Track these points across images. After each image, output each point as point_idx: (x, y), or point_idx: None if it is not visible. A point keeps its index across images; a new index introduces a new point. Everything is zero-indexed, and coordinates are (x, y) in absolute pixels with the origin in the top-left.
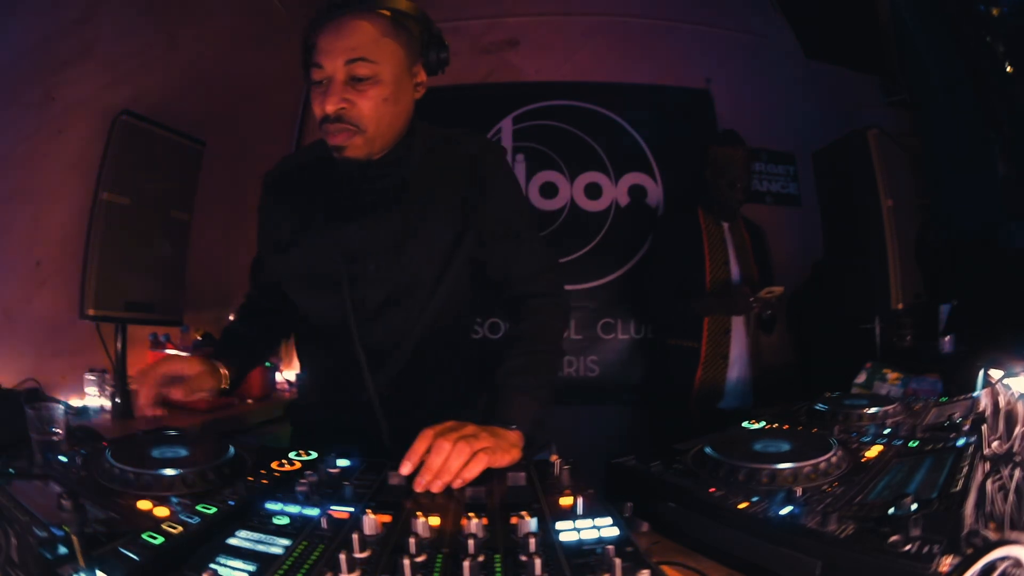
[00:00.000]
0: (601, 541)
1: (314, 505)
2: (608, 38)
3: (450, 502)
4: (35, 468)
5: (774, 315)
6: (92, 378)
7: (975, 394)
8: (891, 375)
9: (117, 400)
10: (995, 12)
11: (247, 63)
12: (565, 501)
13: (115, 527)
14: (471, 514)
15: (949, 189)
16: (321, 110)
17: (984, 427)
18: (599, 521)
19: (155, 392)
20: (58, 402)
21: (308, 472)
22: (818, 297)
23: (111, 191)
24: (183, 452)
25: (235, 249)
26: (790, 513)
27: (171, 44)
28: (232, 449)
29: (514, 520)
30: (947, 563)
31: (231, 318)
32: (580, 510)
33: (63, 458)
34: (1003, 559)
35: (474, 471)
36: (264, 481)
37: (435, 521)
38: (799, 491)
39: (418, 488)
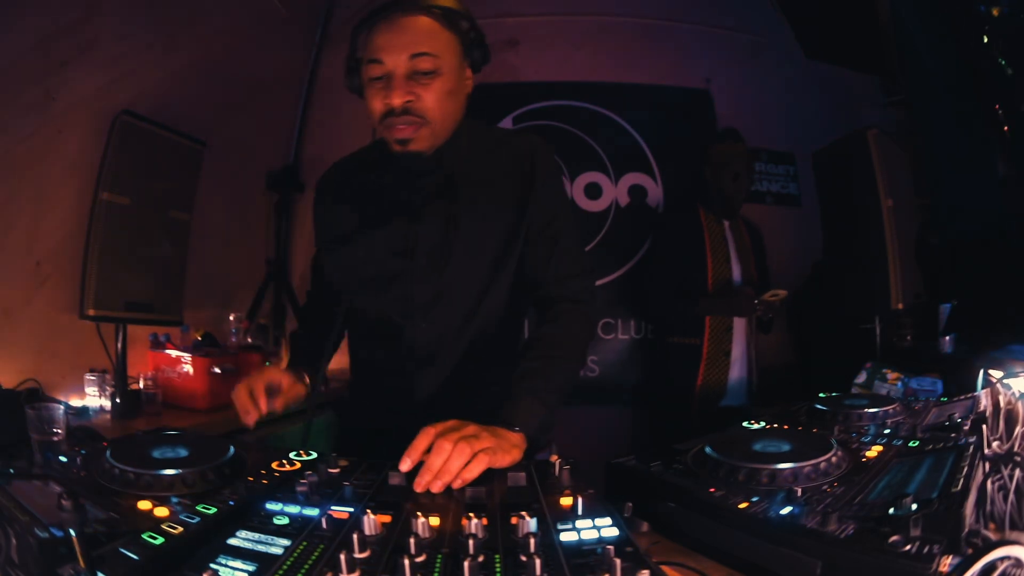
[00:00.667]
0: (601, 541)
1: (314, 505)
2: (608, 38)
3: (450, 502)
4: (35, 468)
5: (774, 317)
6: (92, 378)
7: (975, 394)
8: (891, 375)
9: (117, 400)
10: (995, 12)
11: (247, 63)
12: (565, 501)
13: (115, 527)
14: (471, 514)
15: (949, 189)
16: (384, 104)
17: (984, 427)
18: (599, 521)
19: (262, 402)
20: (58, 402)
21: (308, 472)
22: (818, 297)
23: (111, 191)
24: (183, 452)
25: (235, 249)
26: (790, 513)
27: (171, 44)
28: (232, 449)
29: (514, 520)
30: (947, 563)
31: (294, 327)
32: (580, 510)
33: (63, 458)
34: (1003, 559)
35: (474, 472)
36: (264, 481)
37: (435, 521)
38: (799, 491)
39: (418, 488)
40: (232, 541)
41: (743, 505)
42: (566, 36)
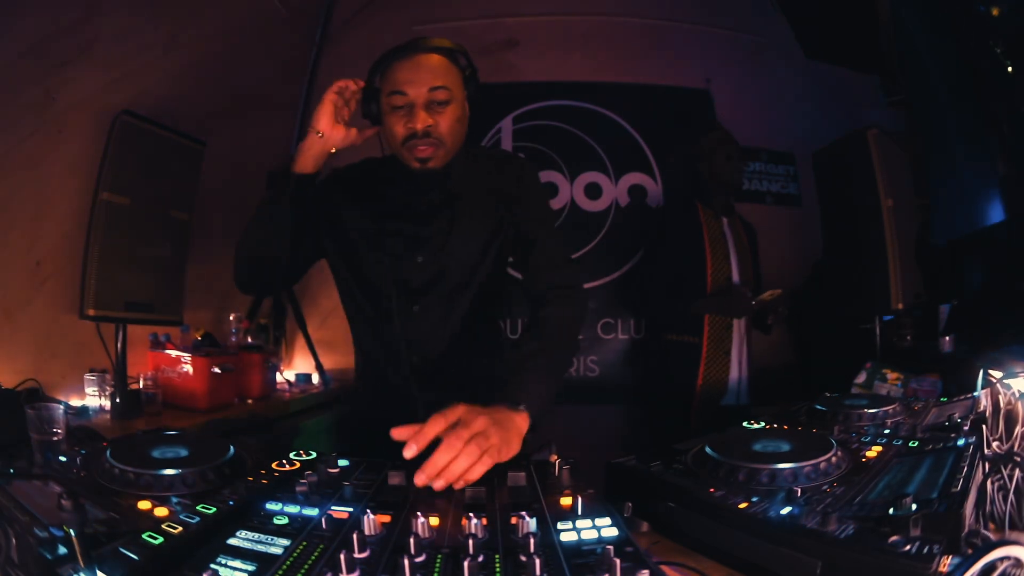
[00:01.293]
0: (601, 541)
1: (314, 505)
2: (608, 38)
3: (450, 502)
4: (35, 468)
5: (774, 320)
6: (92, 378)
7: (975, 394)
8: (891, 375)
9: (117, 400)
10: (995, 12)
11: (247, 63)
12: (565, 501)
13: (115, 527)
14: (471, 514)
15: (949, 189)
16: (407, 129)
17: (984, 427)
18: (599, 521)
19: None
20: (58, 402)
21: (308, 472)
22: (818, 297)
23: (111, 191)
24: (183, 452)
25: (235, 249)
26: (790, 513)
27: (171, 44)
28: (232, 449)
29: (514, 520)
30: (947, 563)
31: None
32: (580, 510)
33: (63, 458)
34: (1003, 559)
35: (478, 473)
36: (264, 481)
37: (435, 521)
38: (799, 491)
39: (418, 482)
40: (232, 541)
41: (743, 505)
42: (566, 36)
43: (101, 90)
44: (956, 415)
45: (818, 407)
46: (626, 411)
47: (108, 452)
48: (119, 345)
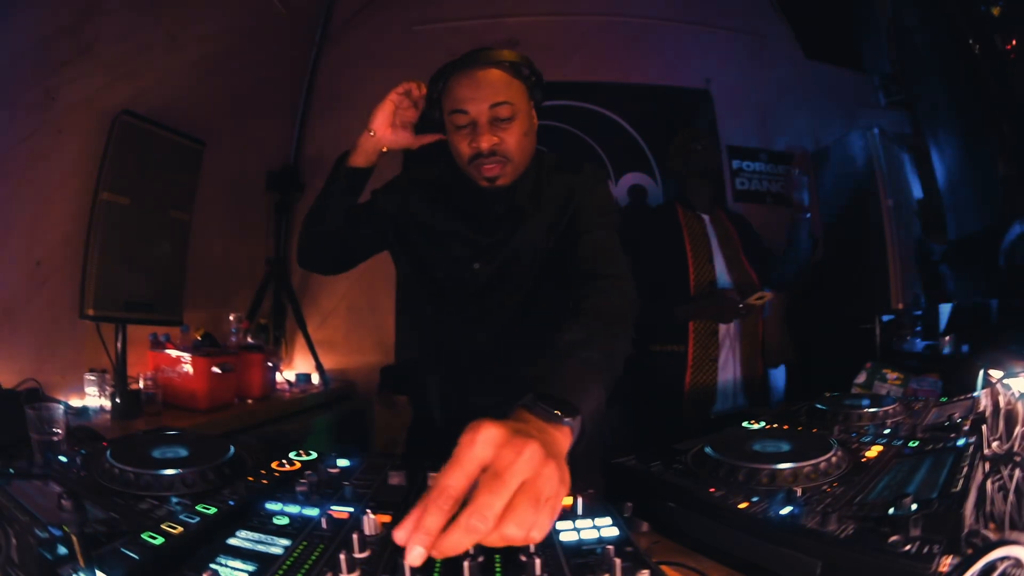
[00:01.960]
0: (601, 541)
1: (314, 505)
2: (608, 38)
3: None
4: (35, 468)
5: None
6: (92, 378)
7: (975, 394)
8: (891, 375)
9: (117, 400)
10: (995, 12)
11: (247, 63)
12: (565, 501)
13: (115, 527)
14: None
15: (949, 189)
16: (472, 149)
17: (984, 427)
18: (599, 521)
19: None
20: (58, 402)
21: (308, 472)
22: (818, 297)
23: (111, 191)
24: (183, 452)
25: (235, 249)
26: (790, 513)
27: (171, 44)
28: (232, 449)
29: None
30: (947, 563)
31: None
32: (580, 510)
33: (63, 458)
34: (1003, 559)
35: (538, 537)
36: (264, 481)
37: None
38: (799, 491)
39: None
40: (232, 541)
41: (743, 505)
42: (566, 36)
43: (101, 90)
44: (956, 415)
45: (818, 407)
46: (626, 411)
47: (108, 452)
48: (119, 345)
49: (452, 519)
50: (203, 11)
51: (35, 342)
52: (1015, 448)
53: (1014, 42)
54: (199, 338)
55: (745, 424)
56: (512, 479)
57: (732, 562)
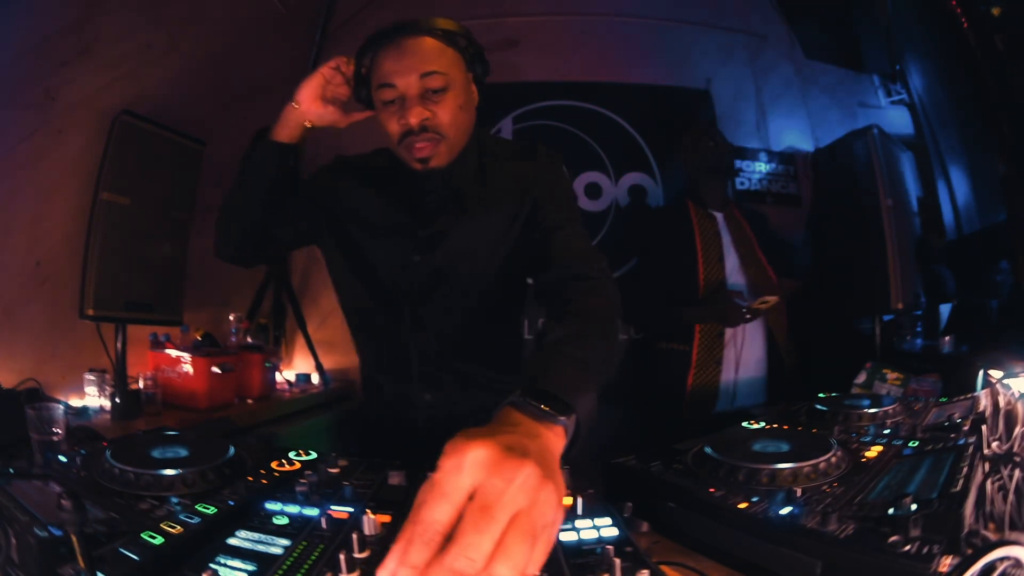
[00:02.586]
0: (601, 541)
1: (314, 505)
2: (608, 38)
3: None
4: (35, 468)
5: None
6: (92, 378)
7: (975, 394)
8: (891, 375)
9: (117, 400)
10: (995, 12)
11: (247, 63)
12: (565, 501)
13: (115, 527)
14: None
15: (949, 189)
16: (401, 126)
17: (984, 427)
18: (599, 521)
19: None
20: (58, 402)
21: (308, 472)
22: (818, 297)
23: (111, 191)
24: (183, 452)
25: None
26: (790, 513)
27: (171, 44)
28: (232, 449)
29: None
30: (947, 563)
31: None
32: (580, 510)
33: (63, 458)
34: (1003, 559)
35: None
36: (264, 481)
37: None
38: (799, 491)
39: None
40: (232, 541)
41: (743, 505)
42: (566, 36)
43: (101, 90)
44: (956, 415)
45: (818, 407)
46: (626, 412)
47: (108, 452)
48: (119, 345)
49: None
50: (203, 11)
51: (35, 342)
52: (1015, 448)
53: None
54: (199, 338)
55: (745, 424)
56: (503, 513)
57: (732, 562)
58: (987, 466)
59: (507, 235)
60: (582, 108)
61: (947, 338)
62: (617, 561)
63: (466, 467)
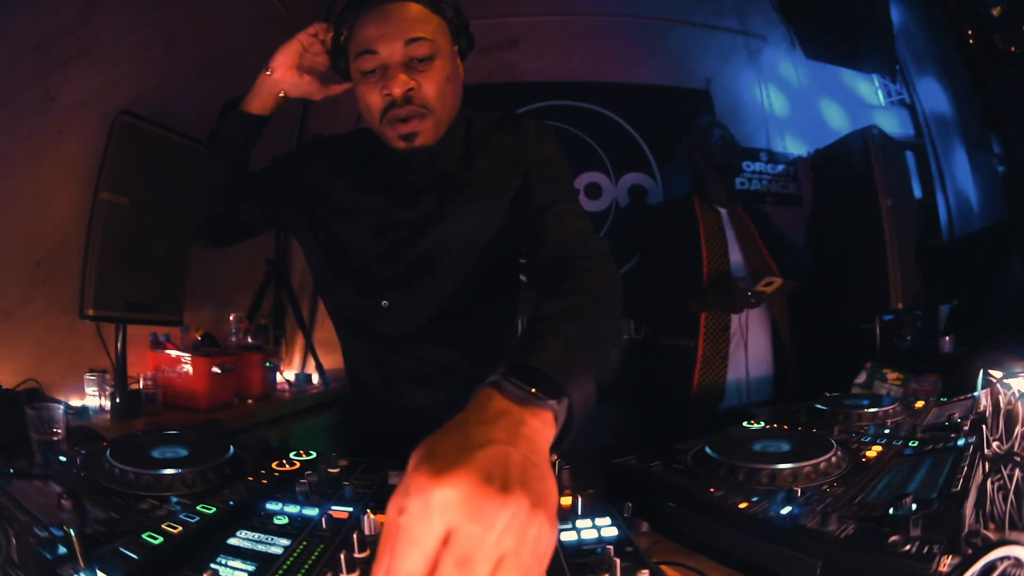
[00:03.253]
0: (601, 541)
1: (314, 505)
2: (608, 38)
3: None
4: (35, 468)
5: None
6: (92, 378)
7: (975, 394)
8: (891, 375)
9: (117, 400)
10: (995, 12)
11: (247, 63)
12: (565, 501)
13: (115, 527)
14: None
15: (949, 189)
16: (383, 97)
17: (984, 427)
18: (599, 521)
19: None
20: (58, 402)
21: (308, 472)
22: (818, 297)
23: (111, 191)
24: (183, 452)
25: (235, 249)
26: (790, 513)
27: (171, 44)
28: (232, 449)
29: None
30: (947, 563)
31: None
32: (580, 510)
33: (63, 458)
34: (1003, 559)
35: None
36: (264, 481)
37: None
38: (799, 491)
39: None
40: (232, 541)
41: (743, 505)
42: (566, 36)
43: (101, 90)
44: (956, 415)
45: (818, 407)
46: (626, 411)
47: (108, 452)
48: (119, 345)
49: None
50: (203, 11)
51: (35, 342)
52: (1015, 448)
53: (1013, 49)
54: (199, 338)
55: (745, 424)
56: (484, 565)
57: (732, 562)
58: (987, 466)
59: (495, 218)
60: (582, 108)
61: (947, 338)
62: (617, 561)
63: (435, 511)
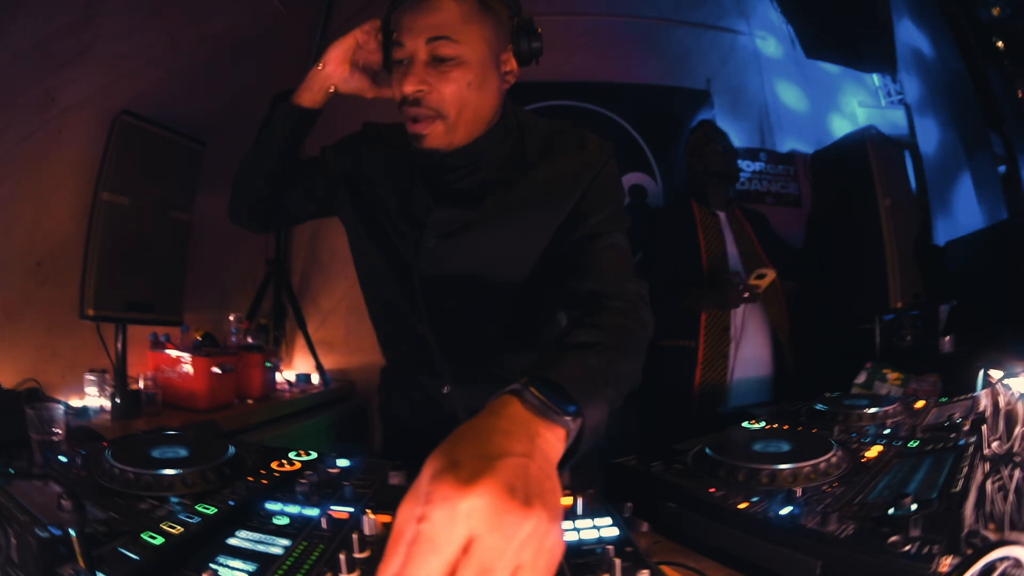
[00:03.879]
0: (601, 541)
1: (314, 505)
2: (608, 38)
3: None
4: (35, 468)
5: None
6: (92, 378)
7: (975, 394)
8: (891, 375)
9: (117, 400)
10: (995, 12)
11: (247, 63)
12: (565, 501)
13: (115, 527)
14: None
15: (949, 188)
16: (399, 92)
17: (984, 427)
18: (599, 521)
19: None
20: (58, 402)
21: (308, 472)
22: (818, 297)
23: (111, 191)
24: (183, 452)
25: (235, 249)
26: (790, 513)
27: (171, 44)
28: (232, 449)
29: None
30: (947, 563)
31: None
32: (580, 510)
33: (63, 458)
34: (1003, 559)
35: None
36: (264, 481)
37: None
38: (799, 491)
39: None
40: (232, 541)
41: (743, 505)
42: (566, 36)
43: (101, 90)
44: (956, 415)
45: (818, 407)
46: (626, 411)
47: (108, 452)
48: (119, 345)
49: None
50: (203, 11)
51: (35, 342)
52: (1015, 448)
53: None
54: (199, 338)
55: (745, 424)
56: (502, 574)
57: (732, 562)
58: (987, 466)
59: (540, 238)
60: (582, 108)
61: (947, 338)
62: (617, 561)
63: (461, 519)
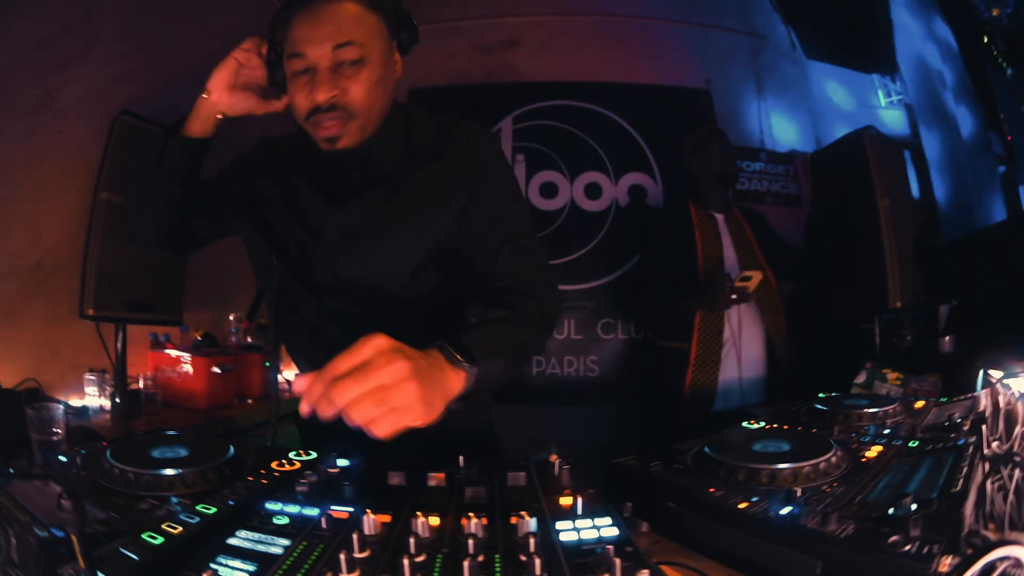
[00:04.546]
0: (601, 541)
1: (314, 505)
2: (608, 38)
3: (450, 502)
4: (35, 468)
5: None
6: (92, 378)
7: (975, 394)
8: (891, 375)
9: (117, 400)
10: (995, 12)
11: None
12: (565, 501)
13: (115, 527)
14: (471, 514)
15: (948, 189)
16: (309, 102)
17: (984, 427)
18: (599, 521)
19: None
20: (58, 402)
21: (308, 472)
22: (818, 297)
23: (111, 191)
24: (183, 452)
25: (235, 249)
26: (790, 513)
27: (171, 44)
28: (232, 449)
29: (514, 520)
30: (947, 563)
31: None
32: (580, 510)
33: (63, 458)
34: (1003, 559)
35: (381, 431)
36: (264, 481)
37: (435, 521)
38: (799, 491)
39: (302, 411)
40: (232, 541)
41: (743, 505)
42: (566, 36)
43: (101, 90)
44: (956, 415)
45: (818, 407)
46: (626, 411)
47: (108, 452)
48: (119, 345)
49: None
50: (203, 11)
51: (35, 342)
52: (1015, 448)
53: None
54: (199, 338)
55: (745, 424)
56: (371, 380)
57: (732, 562)
58: (987, 466)
59: (433, 234)
60: (582, 108)
61: (947, 338)
62: (617, 561)
63: (369, 346)
